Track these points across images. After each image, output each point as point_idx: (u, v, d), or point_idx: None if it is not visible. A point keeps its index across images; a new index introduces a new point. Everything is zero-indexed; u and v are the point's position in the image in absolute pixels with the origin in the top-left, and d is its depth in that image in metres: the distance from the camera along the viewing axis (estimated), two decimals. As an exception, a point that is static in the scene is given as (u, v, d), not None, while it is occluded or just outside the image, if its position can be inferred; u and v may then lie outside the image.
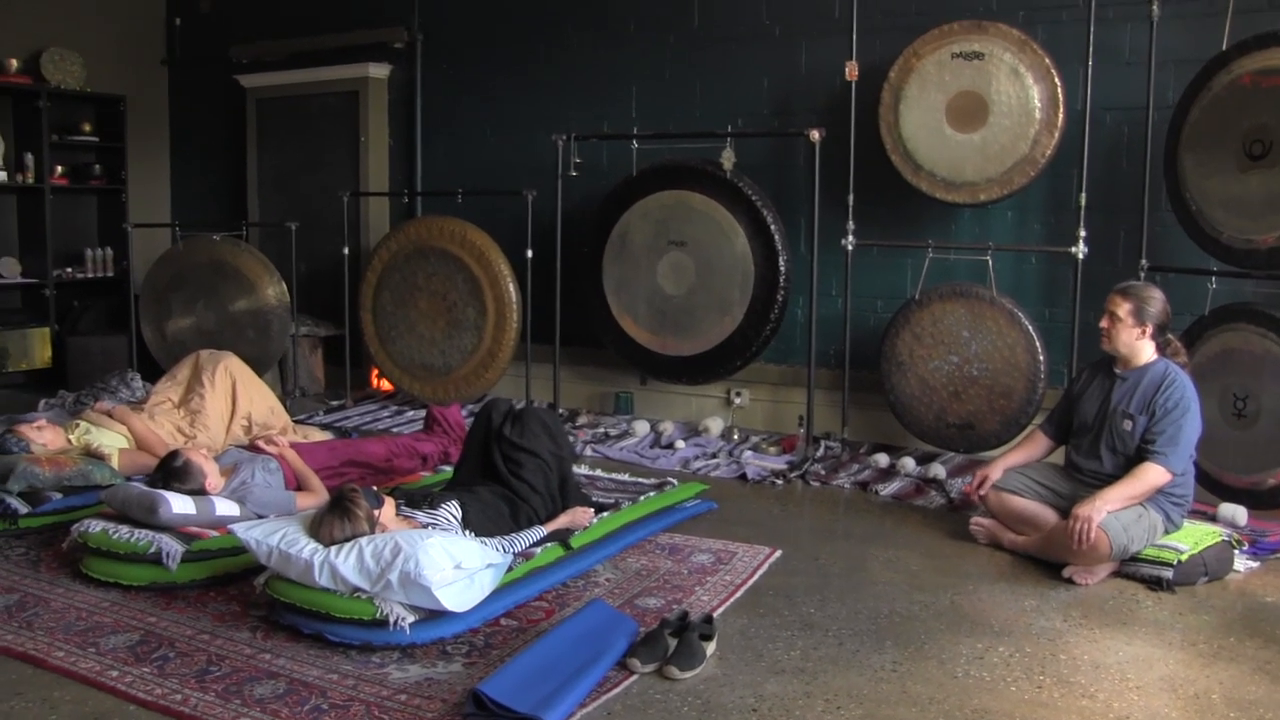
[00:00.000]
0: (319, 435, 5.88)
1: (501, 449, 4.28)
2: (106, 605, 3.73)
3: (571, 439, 5.88)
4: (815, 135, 5.79)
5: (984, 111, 5.47)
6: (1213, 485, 4.85)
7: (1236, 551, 4.24)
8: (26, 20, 8.25)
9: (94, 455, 4.87)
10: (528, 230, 6.64)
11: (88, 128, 8.60)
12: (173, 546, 3.83)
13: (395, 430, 6.49)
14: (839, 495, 5.37)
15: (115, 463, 4.91)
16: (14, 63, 8.07)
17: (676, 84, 6.89)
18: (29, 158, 8.13)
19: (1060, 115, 5.35)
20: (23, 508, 4.43)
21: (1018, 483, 4.43)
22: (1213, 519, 4.63)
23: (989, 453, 5.47)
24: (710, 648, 3.32)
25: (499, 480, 4.23)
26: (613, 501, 4.78)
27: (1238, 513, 4.67)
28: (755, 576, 4.07)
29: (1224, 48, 4.88)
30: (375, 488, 3.92)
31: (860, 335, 6.12)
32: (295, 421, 6.16)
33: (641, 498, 4.80)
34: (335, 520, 3.47)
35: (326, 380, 8.03)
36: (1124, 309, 4.20)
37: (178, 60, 9.16)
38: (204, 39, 8.92)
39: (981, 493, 4.50)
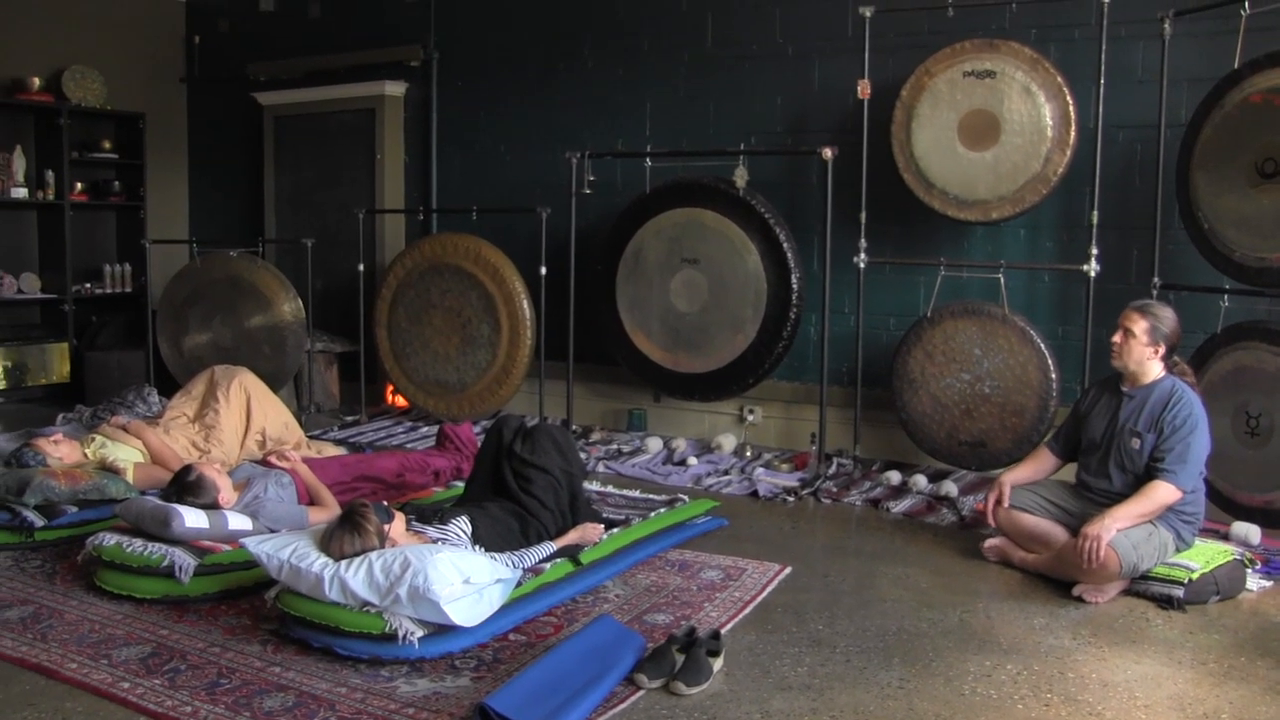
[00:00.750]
0: (333, 451, 5.91)
1: (512, 465, 4.30)
2: (119, 618, 3.76)
3: (584, 455, 5.90)
4: (828, 153, 5.80)
5: (996, 130, 5.48)
6: (1226, 504, 4.83)
7: (1249, 570, 4.22)
8: (48, 39, 8.35)
9: (109, 469, 4.92)
10: (542, 247, 6.67)
11: (107, 145, 8.68)
12: (185, 560, 3.86)
13: (409, 446, 6.51)
14: (850, 512, 5.37)
15: (130, 477, 4.95)
16: (36, 81, 8.17)
17: (690, 102, 6.93)
18: (49, 174, 8.22)
19: (1072, 133, 5.35)
20: (39, 521, 4.47)
21: (1028, 500, 4.43)
22: (1225, 537, 4.61)
23: (1000, 471, 5.44)
24: (717, 664, 3.33)
25: (509, 496, 4.25)
26: (623, 518, 4.78)
27: (1250, 531, 4.65)
28: (764, 593, 4.08)
29: (1236, 66, 4.87)
30: (386, 503, 3.95)
31: (872, 353, 6.13)
32: (309, 437, 6.20)
33: (652, 514, 4.81)
34: (345, 535, 3.49)
35: (341, 396, 8.07)
36: (1140, 326, 4.19)
37: (196, 78, 9.24)
38: (222, 57, 9.01)
39: (1003, 507, 4.48)
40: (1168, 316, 4.23)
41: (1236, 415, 4.80)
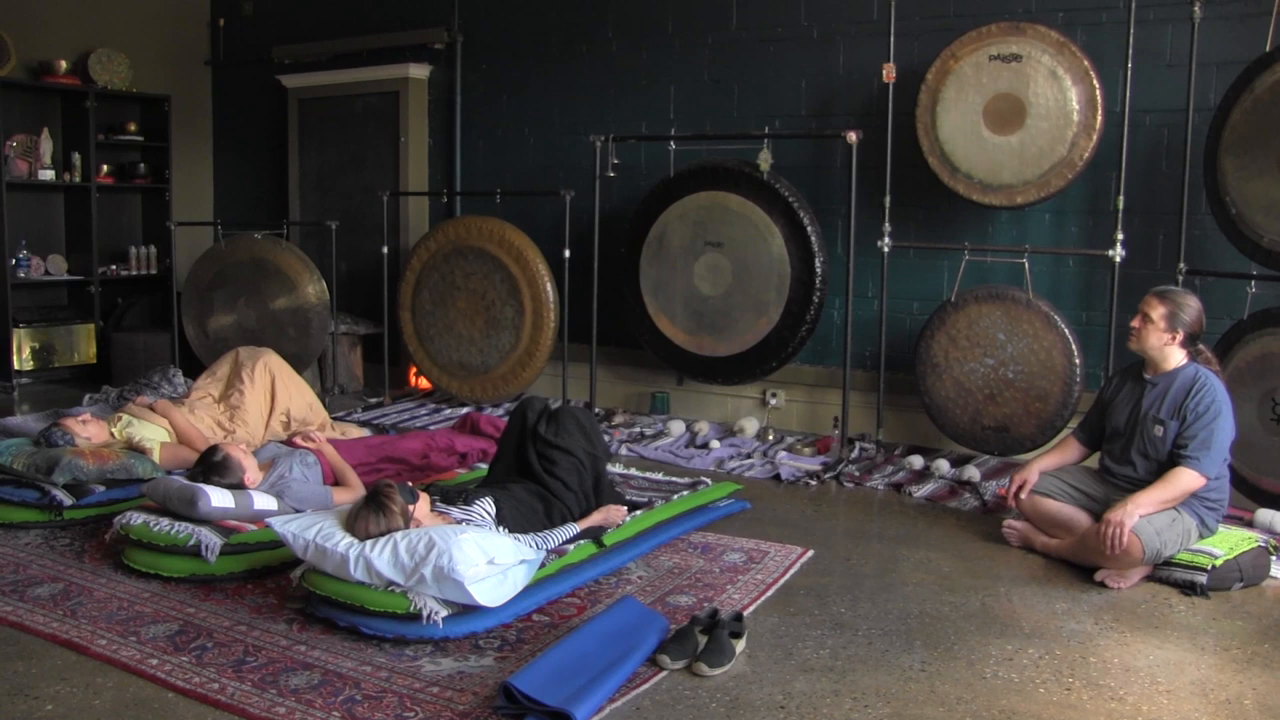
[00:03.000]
0: (357, 432, 5.95)
1: (536, 447, 4.32)
2: (147, 596, 3.80)
3: (607, 438, 5.91)
4: (852, 137, 5.79)
5: (1022, 114, 5.46)
6: (1251, 491, 4.81)
7: (1273, 557, 4.20)
8: (75, 22, 8.40)
9: (136, 449, 4.96)
10: (565, 230, 6.67)
11: (133, 127, 8.72)
12: (211, 539, 3.90)
13: (432, 428, 6.53)
14: (873, 496, 5.37)
15: (157, 456, 4.99)
16: (63, 63, 8.22)
17: (714, 85, 6.91)
18: (76, 157, 8.28)
19: (1099, 118, 5.32)
20: (67, 499, 4.52)
21: (1051, 486, 4.42)
22: (1249, 524, 4.59)
23: (1024, 456, 5.45)
24: (740, 645, 3.35)
25: (533, 478, 4.27)
26: (646, 500, 4.80)
27: (1275, 518, 4.62)
28: (787, 576, 4.09)
29: (1268, 49, 4.84)
30: (410, 483, 3.97)
31: (896, 337, 6.12)
32: (334, 418, 6.23)
33: (675, 496, 4.82)
34: (370, 515, 3.52)
35: (365, 378, 8.10)
36: (1158, 313, 4.17)
37: (221, 61, 9.28)
38: (247, 40, 9.04)
39: (1022, 496, 4.47)
40: (1189, 304, 4.20)
41: (1263, 402, 4.77)
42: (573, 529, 4.06)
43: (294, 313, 7.46)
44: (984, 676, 3.25)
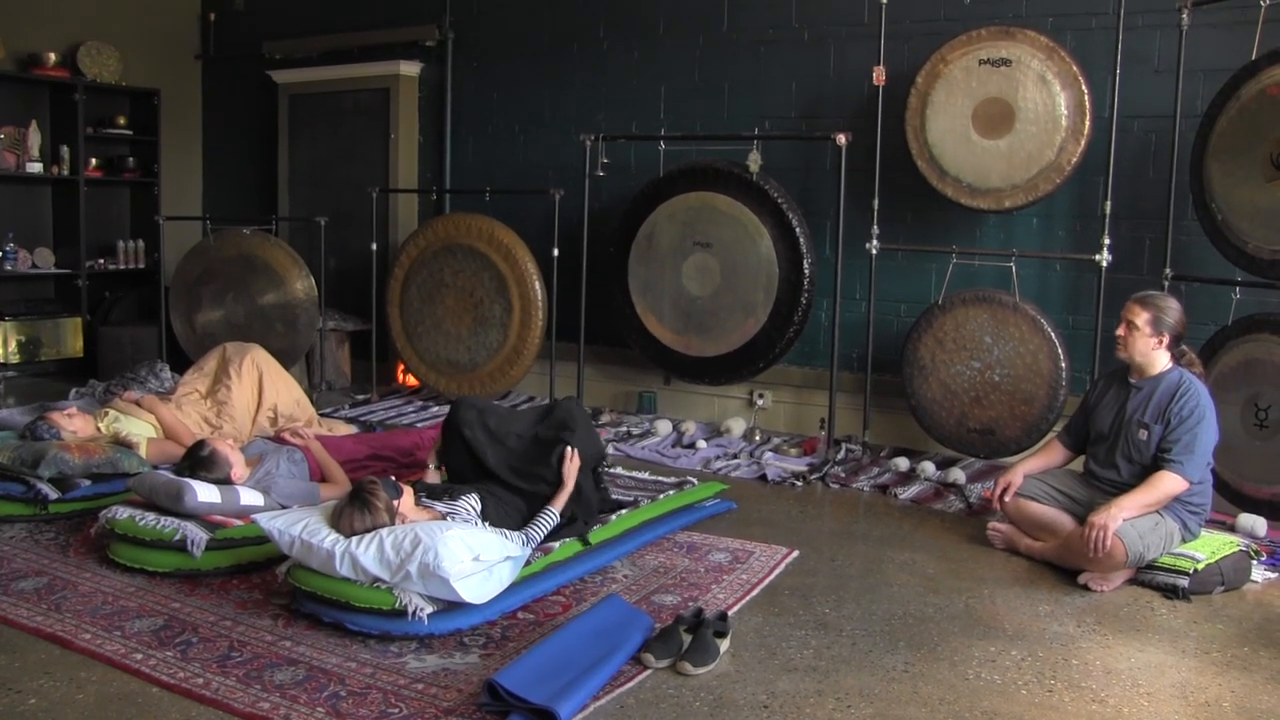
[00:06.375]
0: (344, 429, 5.94)
1: (539, 431, 4.31)
2: (132, 590, 3.80)
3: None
4: (842, 139, 5.80)
5: (1011, 118, 5.48)
6: (1233, 496, 4.84)
7: (1254, 562, 4.23)
8: (65, 14, 8.37)
9: (123, 443, 4.95)
10: (554, 229, 6.67)
11: (122, 121, 8.70)
12: (197, 534, 3.90)
13: (419, 425, 6.53)
14: (858, 498, 5.39)
15: (143, 451, 4.98)
16: (52, 56, 8.18)
17: (705, 86, 6.92)
18: (64, 150, 8.24)
19: (1087, 123, 5.34)
20: (53, 493, 4.51)
21: (1035, 489, 4.44)
22: (1231, 529, 4.62)
23: (1009, 459, 5.48)
24: (724, 645, 3.36)
25: (517, 472, 4.24)
26: (632, 499, 4.81)
27: (1257, 523, 4.65)
28: (772, 576, 4.10)
29: (1254, 57, 4.86)
30: (394, 478, 3.97)
31: (883, 339, 6.13)
32: (321, 415, 6.22)
33: (661, 496, 4.83)
34: (355, 512, 3.51)
35: (353, 374, 8.09)
36: (1142, 318, 4.20)
37: (212, 55, 9.25)
38: (238, 35, 9.02)
39: (1007, 499, 4.49)
40: (1171, 307, 4.23)
41: (1246, 407, 4.80)
42: (553, 516, 4.01)
43: (282, 308, 7.45)
44: (967, 678, 3.27)
